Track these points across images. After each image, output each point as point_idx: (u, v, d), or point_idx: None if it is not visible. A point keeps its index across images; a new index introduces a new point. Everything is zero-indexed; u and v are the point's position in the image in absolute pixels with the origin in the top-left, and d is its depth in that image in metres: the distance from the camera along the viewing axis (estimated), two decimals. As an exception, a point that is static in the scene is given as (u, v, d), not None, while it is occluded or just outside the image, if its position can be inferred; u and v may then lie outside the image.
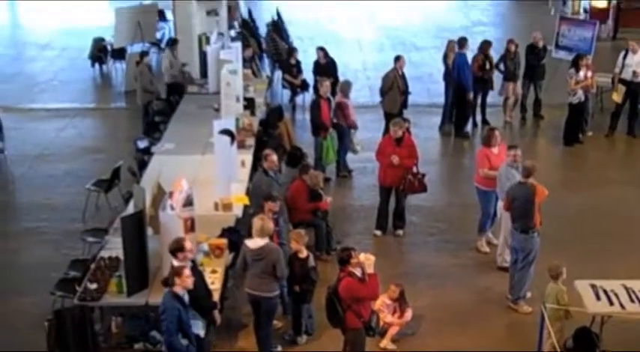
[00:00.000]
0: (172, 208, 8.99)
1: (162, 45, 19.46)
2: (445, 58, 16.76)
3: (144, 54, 16.72)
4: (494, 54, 17.04)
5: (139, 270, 8.95)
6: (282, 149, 13.34)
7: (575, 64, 15.77)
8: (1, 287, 11.04)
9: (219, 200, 10.96)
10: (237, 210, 10.97)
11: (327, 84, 14.28)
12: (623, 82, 16.31)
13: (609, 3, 23.65)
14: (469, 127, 16.76)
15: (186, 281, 8.01)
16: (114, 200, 12.80)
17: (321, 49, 17.42)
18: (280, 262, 9.12)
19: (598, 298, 9.24)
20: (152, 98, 16.19)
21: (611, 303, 9.17)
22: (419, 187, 12.30)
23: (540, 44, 17.04)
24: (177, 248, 8.41)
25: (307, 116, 15.54)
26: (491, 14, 27.51)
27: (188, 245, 8.49)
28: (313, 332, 9.96)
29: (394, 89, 15.33)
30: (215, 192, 11.04)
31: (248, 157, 12.73)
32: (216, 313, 8.84)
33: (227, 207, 10.94)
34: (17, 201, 13.95)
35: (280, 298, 9.67)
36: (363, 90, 18.68)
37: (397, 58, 15.61)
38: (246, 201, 11.04)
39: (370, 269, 8.58)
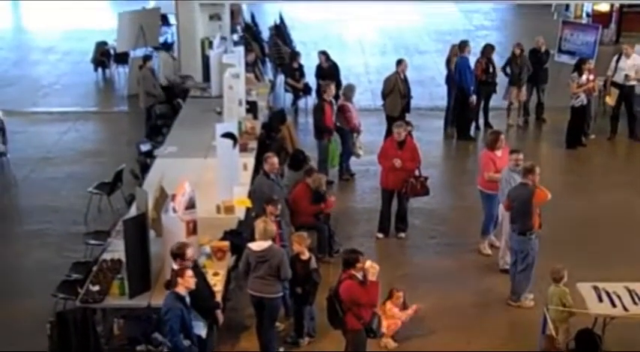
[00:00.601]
0: (175, 211, 9.00)
1: (173, 53, 19.51)
2: (448, 62, 16.79)
3: (147, 58, 16.78)
4: (497, 58, 17.06)
5: (141, 272, 8.95)
6: (284, 152, 13.35)
7: (578, 68, 15.79)
8: (4, 290, 11.05)
9: (222, 203, 10.97)
10: (240, 213, 10.98)
11: (332, 88, 14.33)
12: (616, 85, 16.37)
13: (612, 7, 23.66)
14: (472, 130, 16.75)
15: (188, 282, 8.05)
16: (116, 203, 12.81)
17: (323, 53, 17.48)
18: (284, 264, 9.13)
19: (600, 300, 9.25)
20: (155, 102, 16.21)
21: (614, 305, 9.18)
22: (421, 190, 12.30)
23: (543, 48, 17.08)
24: (178, 254, 8.42)
25: (310, 119, 15.57)
26: (494, 18, 27.56)
27: (189, 253, 8.48)
28: (315, 333, 9.94)
29: (395, 92, 15.36)
30: (217, 195, 11.05)
31: (250, 160, 12.74)
32: (218, 313, 8.85)
33: (229, 209, 10.95)
34: (20, 203, 13.97)
35: (282, 300, 9.68)
36: (366, 94, 18.70)
37: (399, 62, 15.65)
38: (249, 204, 11.05)
39: (373, 278, 8.59)
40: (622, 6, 23.57)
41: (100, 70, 20.96)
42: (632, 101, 16.41)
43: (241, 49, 16.02)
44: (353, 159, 14.75)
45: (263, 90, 16.72)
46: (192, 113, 15.18)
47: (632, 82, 16.27)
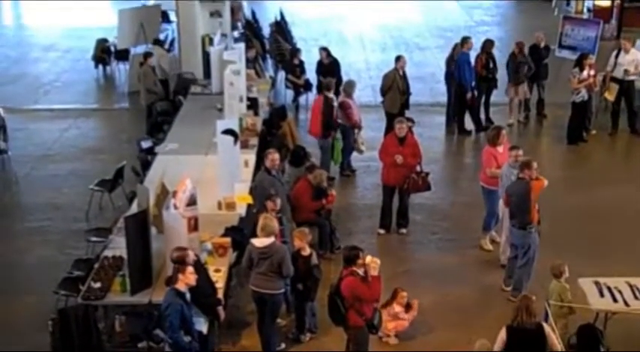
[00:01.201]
0: (176, 207, 9.00)
1: (166, 46, 19.50)
2: (449, 61, 16.74)
3: (147, 55, 16.78)
4: (497, 53, 17.03)
5: (142, 269, 8.97)
6: (285, 148, 13.36)
7: (579, 64, 15.76)
8: (6, 287, 11.06)
9: (223, 199, 10.99)
10: (241, 210, 10.99)
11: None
12: (615, 80, 16.38)
13: (613, 2, 23.64)
14: (471, 125, 16.73)
15: (189, 278, 8.05)
16: (117, 200, 12.82)
17: (324, 49, 17.49)
18: (286, 261, 9.14)
19: (602, 295, 9.27)
20: (156, 99, 16.21)
21: (615, 300, 9.20)
22: (423, 186, 12.31)
23: (542, 44, 17.06)
24: (178, 261, 8.32)
25: (311, 116, 15.54)
26: (495, 14, 27.52)
27: (190, 260, 8.37)
28: (317, 330, 9.96)
29: (394, 89, 15.34)
30: (218, 192, 11.06)
31: (251, 157, 12.74)
32: (220, 309, 8.86)
33: (230, 206, 10.97)
34: (21, 201, 13.97)
35: (284, 296, 9.68)
36: (366, 90, 18.68)
37: (398, 58, 15.63)
38: (250, 200, 11.07)
39: (374, 273, 8.59)
40: (623, 1, 23.56)
41: (100, 67, 20.94)
42: (632, 96, 16.40)
43: (242, 45, 16.02)
44: (354, 155, 14.74)
45: (264, 87, 16.72)
46: (193, 110, 15.18)
47: (632, 77, 16.26)
